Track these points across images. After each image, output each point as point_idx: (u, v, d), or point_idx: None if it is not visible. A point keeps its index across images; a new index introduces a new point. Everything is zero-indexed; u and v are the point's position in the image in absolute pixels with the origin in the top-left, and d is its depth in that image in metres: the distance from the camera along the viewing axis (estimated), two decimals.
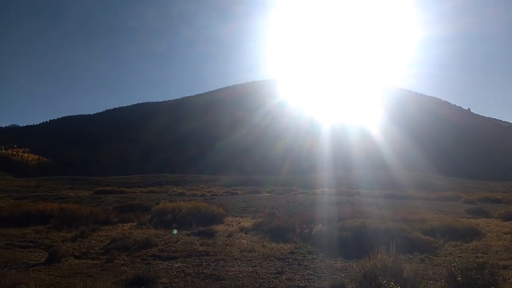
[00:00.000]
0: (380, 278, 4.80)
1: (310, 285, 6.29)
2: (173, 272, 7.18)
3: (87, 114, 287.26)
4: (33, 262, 8.03)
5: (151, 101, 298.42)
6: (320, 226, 10.78)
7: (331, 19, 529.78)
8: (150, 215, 14.45)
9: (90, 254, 8.84)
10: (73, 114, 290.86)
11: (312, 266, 7.62)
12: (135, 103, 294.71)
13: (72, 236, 10.85)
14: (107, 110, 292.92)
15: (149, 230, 12.11)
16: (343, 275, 6.89)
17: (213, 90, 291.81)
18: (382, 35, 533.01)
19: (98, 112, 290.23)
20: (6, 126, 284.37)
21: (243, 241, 10.35)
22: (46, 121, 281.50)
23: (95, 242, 10.33)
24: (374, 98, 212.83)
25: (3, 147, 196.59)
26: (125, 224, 13.58)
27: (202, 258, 8.34)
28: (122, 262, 8.08)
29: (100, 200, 25.23)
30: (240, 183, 56.72)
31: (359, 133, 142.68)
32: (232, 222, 13.87)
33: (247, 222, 13.50)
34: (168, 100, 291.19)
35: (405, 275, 5.24)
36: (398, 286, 4.49)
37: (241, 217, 16.18)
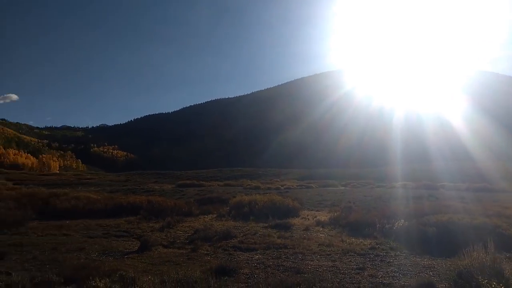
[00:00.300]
0: (480, 278, 4.44)
1: (395, 282, 5.99)
2: (254, 264, 7.34)
3: (166, 112, 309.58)
4: (127, 250, 8.77)
5: (223, 97, 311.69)
6: (402, 222, 10.25)
7: None
8: (228, 208, 15.08)
9: (176, 244, 9.46)
10: (153, 113, 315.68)
11: (396, 263, 7.28)
12: (208, 100, 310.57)
13: (160, 227, 11.73)
14: (183, 108, 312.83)
15: (228, 222, 12.62)
16: (431, 273, 6.50)
17: (281, 84, 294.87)
18: (466, 14, 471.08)
19: (175, 110, 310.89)
20: (97, 126, 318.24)
21: (321, 235, 10.25)
22: (131, 120, 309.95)
23: (180, 232, 11.04)
24: (455, 83, 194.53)
25: (95, 145, 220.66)
26: (206, 216, 14.32)
27: (280, 250, 8.42)
28: (206, 252, 8.50)
29: (182, 193, 26.70)
30: (309, 177, 56.23)
31: (437, 121, 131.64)
32: (307, 215, 13.85)
33: (323, 216, 13.36)
34: (241, 95, 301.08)
35: (506, 275, 4.78)
36: (501, 286, 4.11)
37: (316, 210, 16.08)
